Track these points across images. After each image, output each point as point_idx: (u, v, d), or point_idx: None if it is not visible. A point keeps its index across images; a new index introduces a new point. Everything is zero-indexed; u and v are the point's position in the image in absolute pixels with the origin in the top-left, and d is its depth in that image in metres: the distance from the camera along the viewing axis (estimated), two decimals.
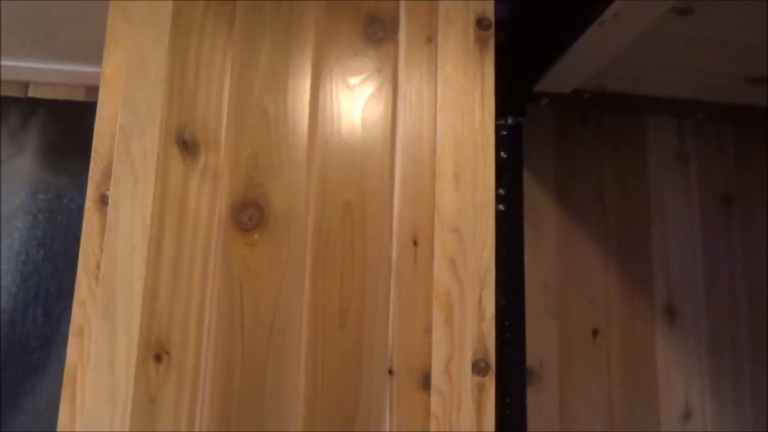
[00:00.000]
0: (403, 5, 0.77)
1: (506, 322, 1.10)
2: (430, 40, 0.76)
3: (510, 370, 1.07)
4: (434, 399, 0.68)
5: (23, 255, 1.02)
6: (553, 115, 1.15)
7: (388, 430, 0.67)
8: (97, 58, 1.08)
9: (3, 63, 1.10)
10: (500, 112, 1.11)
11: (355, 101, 0.74)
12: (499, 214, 1.11)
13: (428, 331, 0.69)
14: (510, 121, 1.11)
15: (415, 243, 0.70)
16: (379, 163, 0.72)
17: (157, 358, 0.65)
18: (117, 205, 0.67)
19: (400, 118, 0.74)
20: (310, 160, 0.71)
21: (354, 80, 0.75)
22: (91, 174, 0.69)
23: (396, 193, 0.72)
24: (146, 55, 0.70)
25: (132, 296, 0.65)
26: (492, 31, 0.79)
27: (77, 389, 0.64)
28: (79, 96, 1.13)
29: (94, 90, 1.13)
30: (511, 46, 1.13)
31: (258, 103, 0.72)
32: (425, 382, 0.68)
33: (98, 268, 0.66)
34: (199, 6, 0.73)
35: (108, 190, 0.68)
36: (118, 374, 0.63)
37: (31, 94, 1.11)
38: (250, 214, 0.69)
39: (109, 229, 0.66)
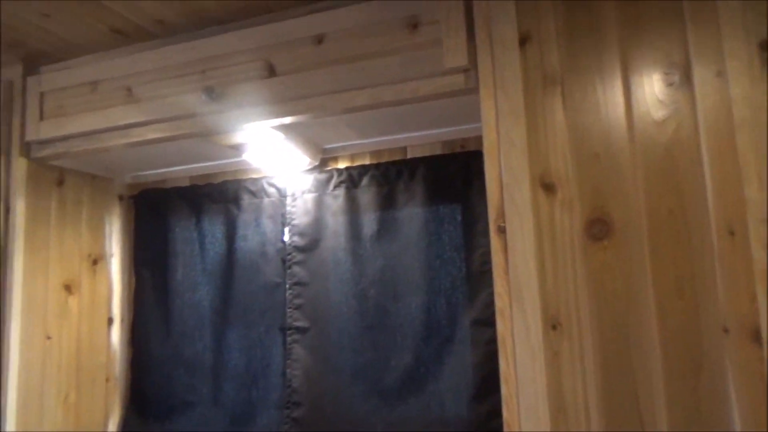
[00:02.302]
0: (692, 52, 0.99)
1: None
2: (720, 74, 0.98)
3: None
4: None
5: (426, 263, 1.52)
6: None
7: (730, 373, 0.92)
8: (448, 123, 1.53)
9: (387, 138, 1.63)
10: None
11: (662, 134, 1.00)
12: None
13: (753, 298, 0.91)
14: None
15: (731, 233, 0.94)
16: (692, 176, 0.97)
17: (554, 327, 1.02)
18: (512, 233, 1.06)
19: (704, 142, 0.97)
20: (636, 184, 1.00)
21: (659, 117, 1.01)
22: (489, 213, 1.10)
23: (710, 197, 0.96)
24: (512, 133, 1.08)
25: (531, 289, 1.03)
26: None
27: (507, 349, 1.05)
28: (437, 150, 1.60)
29: (448, 144, 1.58)
30: None
31: (591, 149, 1.04)
32: (756, 337, 0.91)
33: (506, 273, 1.07)
34: (538, 90, 1.08)
35: (502, 222, 1.08)
36: (532, 339, 1.02)
37: (409, 155, 1.62)
38: (599, 228, 1.01)
39: (509, 248, 1.06)
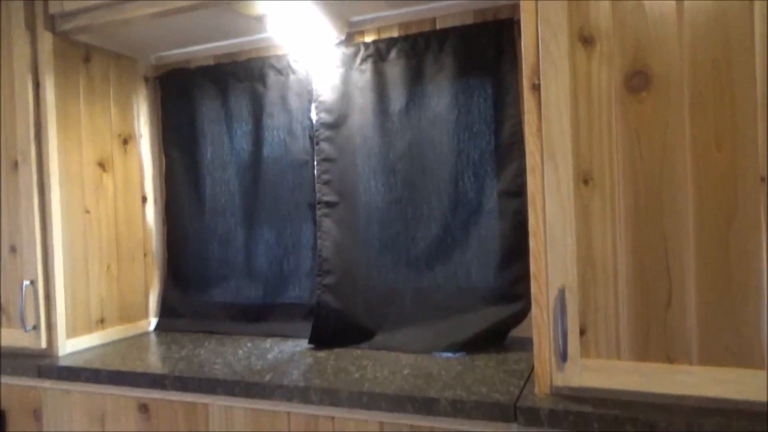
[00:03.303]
0: None
1: None
2: None
3: None
4: None
5: (455, 137, 1.52)
6: None
7: (763, 223, 0.92)
8: None
9: (415, 8, 1.57)
10: None
11: None
12: None
13: None
14: None
15: None
16: (741, 23, 0.93)
17: (585, 182, 1.02)
18: (547, 89, 1.04)
19: None
20: (680, 33, 0.96)
21: None
22: (524, 71, 1.07)
23: (757, 44, 0.92)
24: None
25: (564, 144, 1.03)
26: None
27: (537, 206, 1.06)
28: (468, 20, 1.54)
29: (480, 14, 1.52)
30: None
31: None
32: None
33: (538, 130, 1.06)
34: None
35: (536, 80, 1.06)
36: (563, 193, 1.03)
37: (438, 27, 1.57)
38: (638, 80, 0.99)
39: (543, 105, 1.04)
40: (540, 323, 1.07)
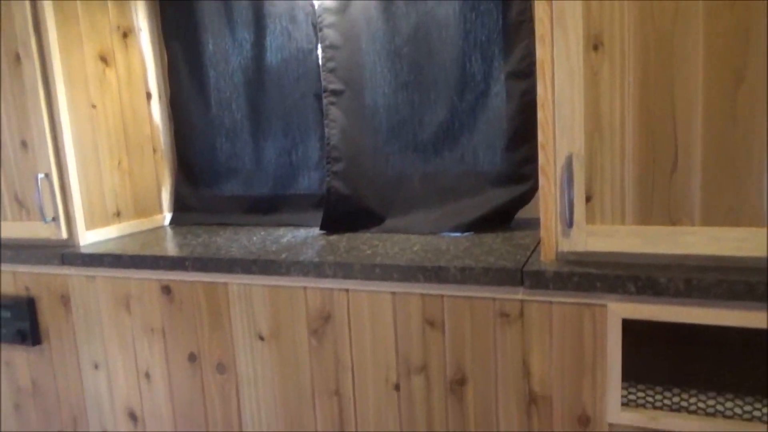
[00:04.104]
0: None
1: None
2: None
3: None
4: None
5: (461, 16, 1.48)
6: None
7: None
8: None
9: None
10: None
11: None
12: None
13: None
14: None
15: None
16: None
17: (595, 48, 1.01)
18: None
19: None
20: None
21: None
22: None
23: None
24: None
25: (574, 9, 1.01)
26: None
27: (546, 74, 1.05)
28: None
29: None
30: None
31: None
32: None
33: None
34: None
35: None
36: (572, 61, 1.02)
37: None
38: None
39: None
40: (547, 193, 1.09)
